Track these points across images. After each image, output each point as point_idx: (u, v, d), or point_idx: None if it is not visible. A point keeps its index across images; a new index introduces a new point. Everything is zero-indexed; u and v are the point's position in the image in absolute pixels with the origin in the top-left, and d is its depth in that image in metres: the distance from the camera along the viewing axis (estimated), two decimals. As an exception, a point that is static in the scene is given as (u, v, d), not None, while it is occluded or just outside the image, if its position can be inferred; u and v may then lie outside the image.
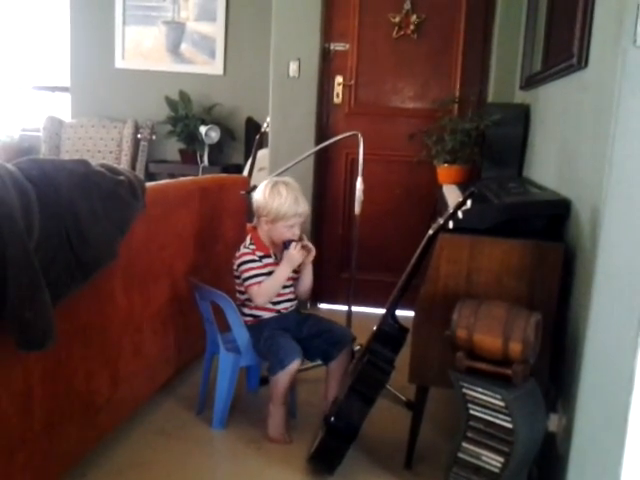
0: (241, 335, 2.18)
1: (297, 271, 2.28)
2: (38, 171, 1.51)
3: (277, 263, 2.22)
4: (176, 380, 2.49)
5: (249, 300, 2.23)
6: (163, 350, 2.30)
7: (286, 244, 2.19)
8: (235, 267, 2.23)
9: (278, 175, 2.76)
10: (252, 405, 2.40)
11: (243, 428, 2.22)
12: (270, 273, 2.19)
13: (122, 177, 1.80)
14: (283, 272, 2.17)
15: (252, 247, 2.22)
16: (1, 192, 1.34)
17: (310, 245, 2.23)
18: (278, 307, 2.25)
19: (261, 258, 2.21)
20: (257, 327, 2.23)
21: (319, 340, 2.22)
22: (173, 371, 2.42)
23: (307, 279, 2.30)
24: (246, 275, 2.18)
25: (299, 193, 2.21)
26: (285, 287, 2.25)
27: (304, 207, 2.21)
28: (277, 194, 2.18)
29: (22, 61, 5.21)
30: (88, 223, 1.59)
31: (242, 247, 2.24)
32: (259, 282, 2.17)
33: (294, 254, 2.17)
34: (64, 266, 1.52)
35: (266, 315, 2.24)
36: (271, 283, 2.17)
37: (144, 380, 2.18)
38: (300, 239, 2.21)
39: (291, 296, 2.30)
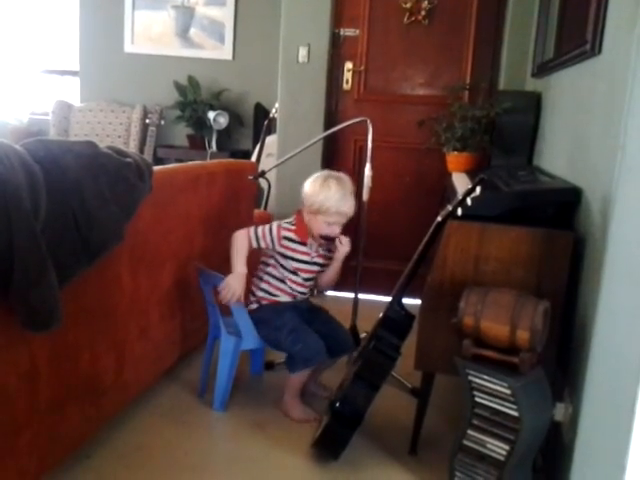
0: (242, 320, 2.18)
1: (325, 264, 2.27)
2: (45, 152, 1.51)
3: (309, 253, 2.21)
4: (181, 364, 2.50)
5: (269, 275, 2.24)
6: (169, 334, 2.30)
7: (324, 238, 2.18)
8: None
9: (285, 160, 2.76)
10: (256, 388, 2.40)
11: (248, 412, 2.22)
12: (295, 260, 2.20)
13: (129, 159, 1.79)
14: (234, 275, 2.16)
15: (292, 227, 2.21)
16: (8, 173, 1.33)
17: (342, 241, 2.19)
18: (295, 293, 2.25)
19: (293, 241, 2.20)
20: (273, 309, 2.22)
21: (323, 341, 2.20)
22: (179, 355, 2.42)
23: (331, 273, 2.27)
24: (266, 225, 2.19)
25: (348, 192, 2.17)
26: (307, 280, 2.25)
27: (349, 207, 2.16)
28: (326, 187, 2.15)
29: (32, 45, 5.21)
30: (95, 205, 1.59)
31: (284, 221, 2.23)
32: (249, 239, 2.17)
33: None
34: (70, 248, 1.52)
35: (282, 297, 2.24)
36: (234, 254, 2.17)
37: (150, 363, 2.18)
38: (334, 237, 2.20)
39: (308, 289, 2.30)
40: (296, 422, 2.17)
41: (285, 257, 2.21)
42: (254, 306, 2.26)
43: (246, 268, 2.17)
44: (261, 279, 2.26)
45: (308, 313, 2.27)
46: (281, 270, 2.23)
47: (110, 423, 2.00)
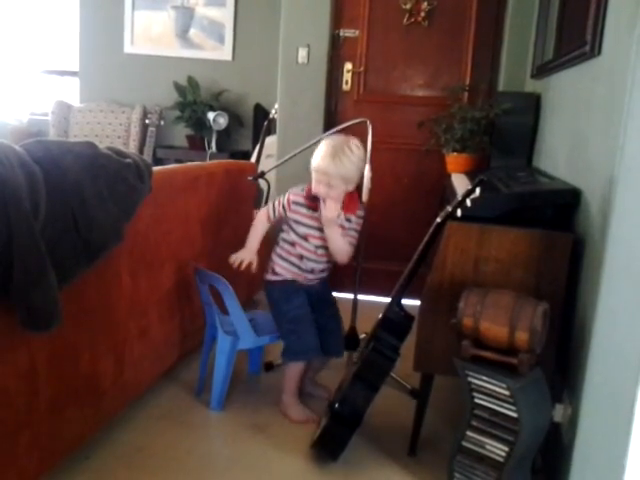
0: (239, 319, 2.18)
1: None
2: (45, 152, 1.51)
3: (319, 219, 2.15)
4: (181, 365, 2.50)
5: (283, 240, 2.23)
6: (169, 335, 2.30)
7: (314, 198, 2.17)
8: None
9: (285, 161, 2.75)
10: (254, 388, 2.40)
11: (247, 412, 2.22)
12: (305, 225, 2.19)
13: (129, 160, 1.79)
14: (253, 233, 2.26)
15: (302, 192, 2.21)
16: (8, 173, 1.33)
17: (325, 203, 2.12)
18: (308, 264, 2.22)
19: (303, 206, 2.19)
20: (285, 290, 2.22)
21: (320, 335, 2.20)
22: (178, 356, 2.42)
23: (330, 244, 2.16)
24: (278, 198, 2.24)
25: (341, 154, 2.09)
26: (319, 247, 2.21)
27: (327, 166, 2.08)
28: (322, 147, 2.16)
29: (31, 45, 5.21)
30: (94, 205, 1.59)
31: (298, 187, 2.24)
32: (267, 213, 2.23)
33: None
34: (70, 248, 1.52)
35: (295, 266, 2.22)
36: (253, 230, 2.25)
37: (149, 364, 2.18)
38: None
39: (324, 264, 2.25)
40: (295, 422, 2.17)
41: (297, 222, 2.21)
42: (270, 277, 2.26)
43: (258, 245, 2.23)
44: (277, 244, 2.27)
45: (317, 299, 2.26)
46: (292, 235, 2.21)
47: (109, 424, 2.00)
